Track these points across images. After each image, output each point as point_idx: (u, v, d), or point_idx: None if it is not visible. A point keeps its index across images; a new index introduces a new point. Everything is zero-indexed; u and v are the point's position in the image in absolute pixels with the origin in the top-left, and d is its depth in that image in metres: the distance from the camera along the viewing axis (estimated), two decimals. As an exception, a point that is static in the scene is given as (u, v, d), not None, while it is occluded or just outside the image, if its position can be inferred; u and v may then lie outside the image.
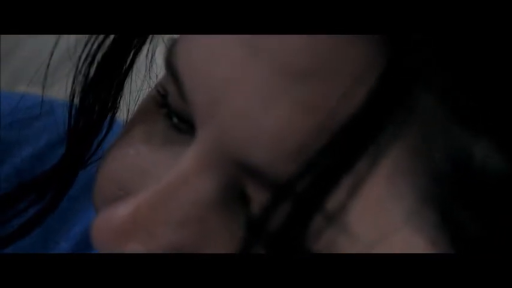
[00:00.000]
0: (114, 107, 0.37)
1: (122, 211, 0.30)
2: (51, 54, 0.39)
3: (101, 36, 0.36)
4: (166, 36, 0.34)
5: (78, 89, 0.37)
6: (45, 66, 0.42)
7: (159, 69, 0.38)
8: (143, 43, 0.36)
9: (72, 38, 0.38)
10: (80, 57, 0.36)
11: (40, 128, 0.49)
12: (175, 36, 0.33)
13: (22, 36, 1.49)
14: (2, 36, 1.49)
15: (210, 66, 0.30)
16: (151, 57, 0.37)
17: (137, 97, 0.37)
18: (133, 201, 0.31)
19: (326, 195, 0.27)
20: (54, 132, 0.49)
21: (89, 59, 0.36)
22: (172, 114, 0.33)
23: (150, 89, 0.36)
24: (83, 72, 0.36)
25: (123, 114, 0.39)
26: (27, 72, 1.49)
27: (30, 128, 0.49)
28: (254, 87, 0.29)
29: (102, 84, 0.36)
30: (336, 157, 0.27)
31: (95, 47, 0.36)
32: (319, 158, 0.27)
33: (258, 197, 0.30)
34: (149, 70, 0.38)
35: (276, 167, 0.28)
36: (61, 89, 1.46)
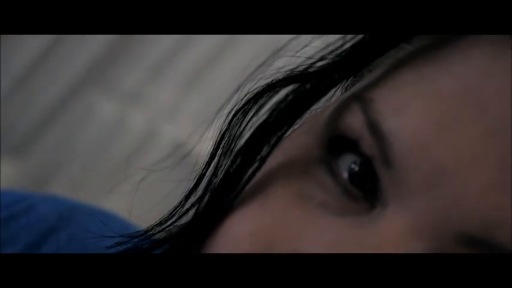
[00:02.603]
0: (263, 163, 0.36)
1: None
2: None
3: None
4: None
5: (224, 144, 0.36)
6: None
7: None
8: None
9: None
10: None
11: (18, 228, 0.46)
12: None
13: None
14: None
15: (439, 137, 0.31)
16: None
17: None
18: None
19: None
20: (34, 231, 0.46)
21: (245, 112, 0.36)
22: (353, 175, 0.33)
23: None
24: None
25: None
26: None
27: (7, 229, 0.46)
28: (496, 166, 0.30)
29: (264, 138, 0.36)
30: None
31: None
32: None
33: None
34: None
35: None
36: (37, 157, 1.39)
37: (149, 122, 1.45)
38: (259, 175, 0.35)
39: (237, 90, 0.36)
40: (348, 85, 0.39)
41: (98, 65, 1.42)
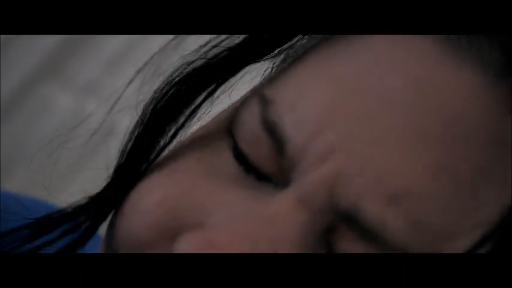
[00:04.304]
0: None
1: (218, 240, 0.33)
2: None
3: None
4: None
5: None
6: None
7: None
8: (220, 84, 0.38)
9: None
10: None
11: None
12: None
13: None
14: None
15: (330, 124, 0.33)
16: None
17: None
18: (226, 235, 0.33)
19: None
20: None
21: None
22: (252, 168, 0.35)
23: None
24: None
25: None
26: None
27: None
28: (373, 144, 0.32)
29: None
30: None
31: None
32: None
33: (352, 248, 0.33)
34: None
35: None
36: None
37: (106, 114, 1.44)
38: (170, 148, 0.37)
39: (140, 72, 0.38)
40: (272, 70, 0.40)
41: (53, 56, 1.41)
